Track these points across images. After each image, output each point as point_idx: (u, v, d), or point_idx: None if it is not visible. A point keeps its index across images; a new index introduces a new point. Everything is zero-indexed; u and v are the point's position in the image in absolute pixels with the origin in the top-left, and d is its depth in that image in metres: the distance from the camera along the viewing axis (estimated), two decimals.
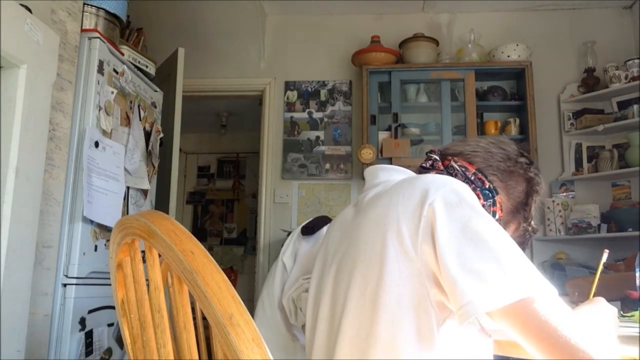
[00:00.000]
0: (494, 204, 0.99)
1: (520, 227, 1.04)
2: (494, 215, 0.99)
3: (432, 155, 1.05)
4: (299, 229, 1.66)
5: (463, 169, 1.00)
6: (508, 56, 3.44)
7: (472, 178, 0.99)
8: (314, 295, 0.99)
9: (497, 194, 1.00)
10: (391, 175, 0.99)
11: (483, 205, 0.96)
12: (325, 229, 1.58)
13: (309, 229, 1.62)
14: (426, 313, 0.77)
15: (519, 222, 1.03)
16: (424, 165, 1.04)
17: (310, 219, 1.68)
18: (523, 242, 1.05)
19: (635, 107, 3.24)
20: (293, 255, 1.60)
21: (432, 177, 0.87)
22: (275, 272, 1.63)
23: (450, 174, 1.00)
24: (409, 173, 1.00)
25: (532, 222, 1.05)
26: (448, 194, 0.80)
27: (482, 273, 0.71)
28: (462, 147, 1.04)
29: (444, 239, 0.75)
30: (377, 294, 0.80)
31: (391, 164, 3.27)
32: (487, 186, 0.99)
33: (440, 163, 1.03)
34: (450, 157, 1.03)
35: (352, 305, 0.83)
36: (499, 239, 0.75)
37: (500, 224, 0.96)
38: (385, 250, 0.80)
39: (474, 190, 0.97)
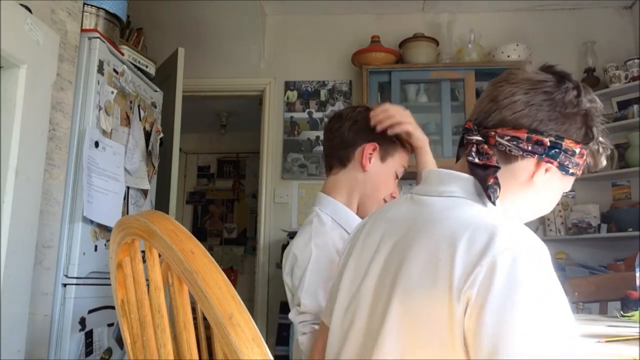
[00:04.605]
0: (566, 152, 0.88)
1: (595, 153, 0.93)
2: (576, 155, 0.89)
3: (472, 137, 0.91)
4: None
5: (514, 142, 0.88)
6: (508, 56, 3.43)
7: (529, 148, 0.87)
8: (349, 301, 0.94)
9: (563, 139, 0.88)
10: (457, 182, 0.89)
11: (562, 164, 0.89)
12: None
13: None
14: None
15: (593, 152, 0.92)
16: (470, 158, 0.89)
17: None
18: (604, 162, 0.94)
19: (635, 107, 3.24)
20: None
21: (506, 224, 0.78)
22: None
23: (502, 152, 0.89)
24: (476, 183, 0.89)
25: (600, 141, 0.93)
26: (523, 259, 0.73)
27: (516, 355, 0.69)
28: (500, 113, 0.89)
29: (494, 307, 0.70)
30: (416, 328, 0.78)
31: None
32: (548, 144, 0.87)
33: (485, 146, 0.89)
34: (493, 132, 0.89)
35: (393, 325, 0.81)
36: (548, 328, 0.71)
37: (585, 157, 0.91)
38: (434, 289, 0.76)
39: (540, 160, 0.88)
